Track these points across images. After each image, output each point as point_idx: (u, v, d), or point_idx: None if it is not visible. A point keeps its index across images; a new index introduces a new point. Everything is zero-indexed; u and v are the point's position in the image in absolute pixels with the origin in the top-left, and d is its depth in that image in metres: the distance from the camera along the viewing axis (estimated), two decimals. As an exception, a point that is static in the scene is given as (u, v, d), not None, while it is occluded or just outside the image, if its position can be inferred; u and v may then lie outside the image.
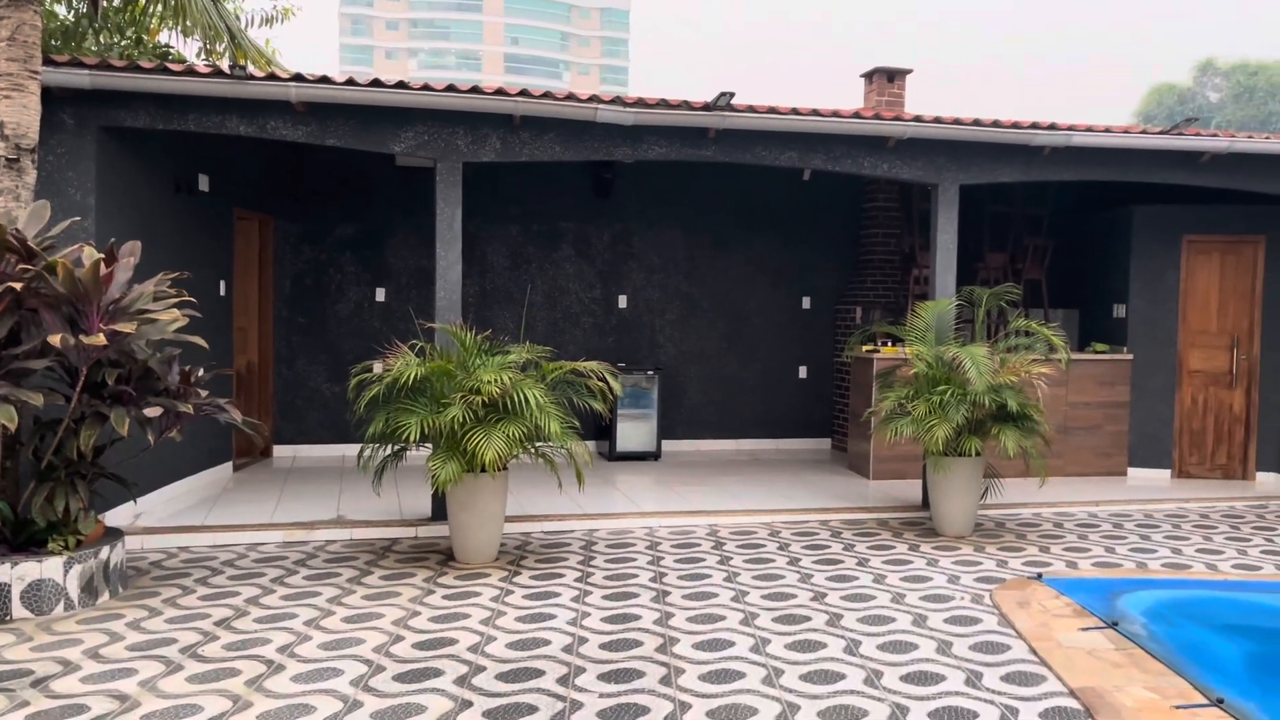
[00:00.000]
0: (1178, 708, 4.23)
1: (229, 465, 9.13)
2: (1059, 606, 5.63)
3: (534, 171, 10.33)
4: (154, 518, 7.23)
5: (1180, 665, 4.70)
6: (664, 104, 7.47)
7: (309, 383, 10.40)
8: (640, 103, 7.45)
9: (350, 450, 10.05)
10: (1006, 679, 4.57)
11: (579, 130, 7.53)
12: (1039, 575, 6.32)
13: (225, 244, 8.97)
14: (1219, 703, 4.26)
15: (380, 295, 10.55)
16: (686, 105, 7.50)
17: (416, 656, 4.75)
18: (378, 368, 6.69)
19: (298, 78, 6.80)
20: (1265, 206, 9.50)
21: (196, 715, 4.03)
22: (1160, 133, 8.55)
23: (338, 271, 10.46)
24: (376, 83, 6.99)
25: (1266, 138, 8.79)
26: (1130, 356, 9.84)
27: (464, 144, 7.34)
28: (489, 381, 6.09)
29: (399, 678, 4.48)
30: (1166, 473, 9.82)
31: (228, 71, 6.69)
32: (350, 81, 6.92)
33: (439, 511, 7.18)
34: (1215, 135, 8.65)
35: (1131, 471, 9.89)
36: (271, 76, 6.85)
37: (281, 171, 10.14)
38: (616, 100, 7.44)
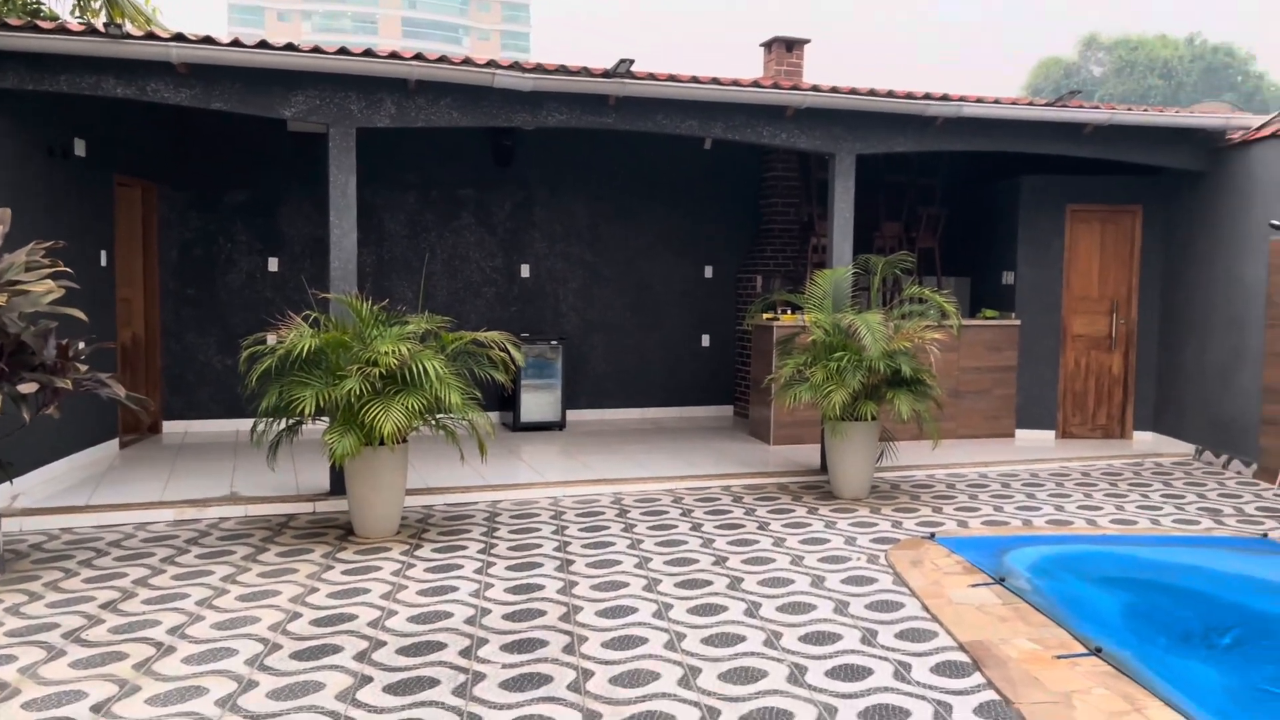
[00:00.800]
0: (1059, 657, 4.43)
1: (114, 443, 8.78)
2: (950, 564, 5.83)
3: (432, 138, 10.14)
4: (33, 498, 6.91)
5: (1062, 617, 4.91)
6: (563, 70, 7.38)
7: (199, 356, 10.05)
8: (539, 68, 7.34)
9: (244, 425, 9.77)
10: (900, 636, 4.71)
11: (477, 96, 7.40)
12: (931, 535, 6.52)
13: (105, 212, 8.57)
14: (1097, 651, 4.47)
15: (273, 265, 10.23)
16: (586, 72, 7.43)
17: (315, 633, 4.66)
18: (271, 340, 6.49)
19: (179, 38, 6.50)
20: (1143, 177, 9.90)
21: (80, 701, 3.89)
22: (1046, 104, 8.82)
23: (228, 241, 10.10)
24: (264, 44, 6.73)
25: (1144, 110, 9.15)
26: (1018, 322, 10.19)
27: (357, 109, 7.14)
28: (386, 353, 5.97)
29: (296, 655, 4.39)
30: (1051, 433, 10.23)
31: (102, 30, 6.35)
32: (236, 43, 6.65)
33: (337, 486, 7.04)
34: (1097, 108, 8.96)
35: (1019, 433, 10.27)
36: (150, 36, 6.53)
37: (166, 136, 9.72)
38: (515, 65, 7.32)
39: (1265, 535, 6.65)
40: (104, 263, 8.47)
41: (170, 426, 9.92)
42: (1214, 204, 9.22)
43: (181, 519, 6.74)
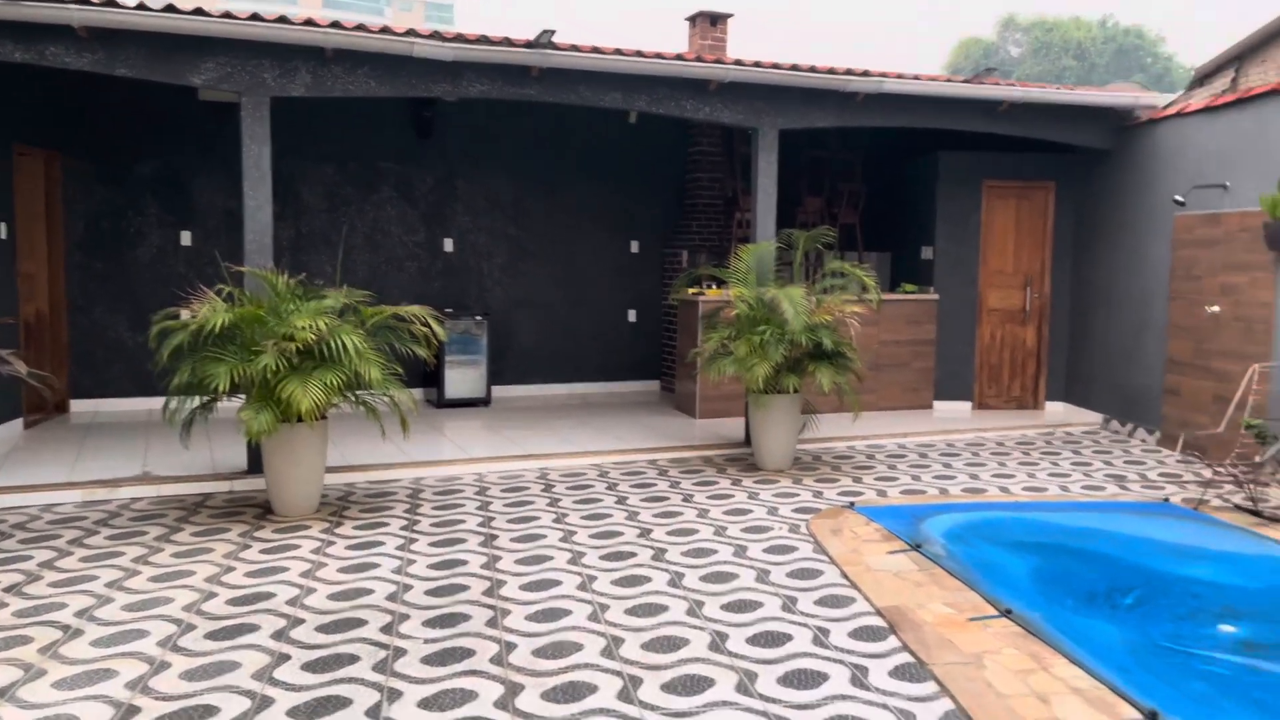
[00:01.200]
0: (971, 620, 4.56)
1: (19, 423, 8.47)
2: (869, 532, 5.95)
3: (351, 108, 9.90)
4: (-69, 481, 6.64)
5: (975, 581, 5.06)
6: (485, 40, 7.28)
7: (109, 332, 9.73)
8: (460, 38, 7.23)
9: (157, 403, 9.46)
10: (820, 602, 4.80)
11: (396, 65, 7.25)
12: (851, 504, 6.65)
13: (3, 182, 8.21)
14: (1007, 613, 4.61)
15: (186, 239, 9.94)
16: (508, 42, 7.34)
17: (231, 613, 4.57)
18: (184, 315, 6.31)
19: (81, 0, 6.24)
20: (1056, 154, 10.15)
21: (-17, 688, 3.76)
22: (963, 81, 8.99)
23: (137, 214, 9.77)
24: (171, 8, 6.50)
25: (1057, 89, 9.38)
26: (936, 296, 10.40)
27: (271, 77, 6.95)
28: (304, 328, 5.85)
29: (211, 635, 4.30)
30: (968, 405, 10.49)
31: (-3, -10, 6.06)
32: (141, 6, 6.41)
33: (255, 464, 6.90)
34: (1012, 85, 9.15)
35: (937, 404, 10.51)
36: (49, -3, 6.25)
37: (69, 104, 9.34)
38: (435, 35, 7.19)
39: (1166, 500, 6.92)
40: (4, 235, 8.13)
41: (79, 405, 9.59)
42: (1122, 181, 9.50)
43: (90, 500, 6.54)
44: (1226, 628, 4.89)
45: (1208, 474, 7.27)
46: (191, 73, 6.78)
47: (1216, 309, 8.13)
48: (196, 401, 6.15)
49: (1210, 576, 5.50)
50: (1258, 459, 6.79)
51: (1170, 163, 8.83)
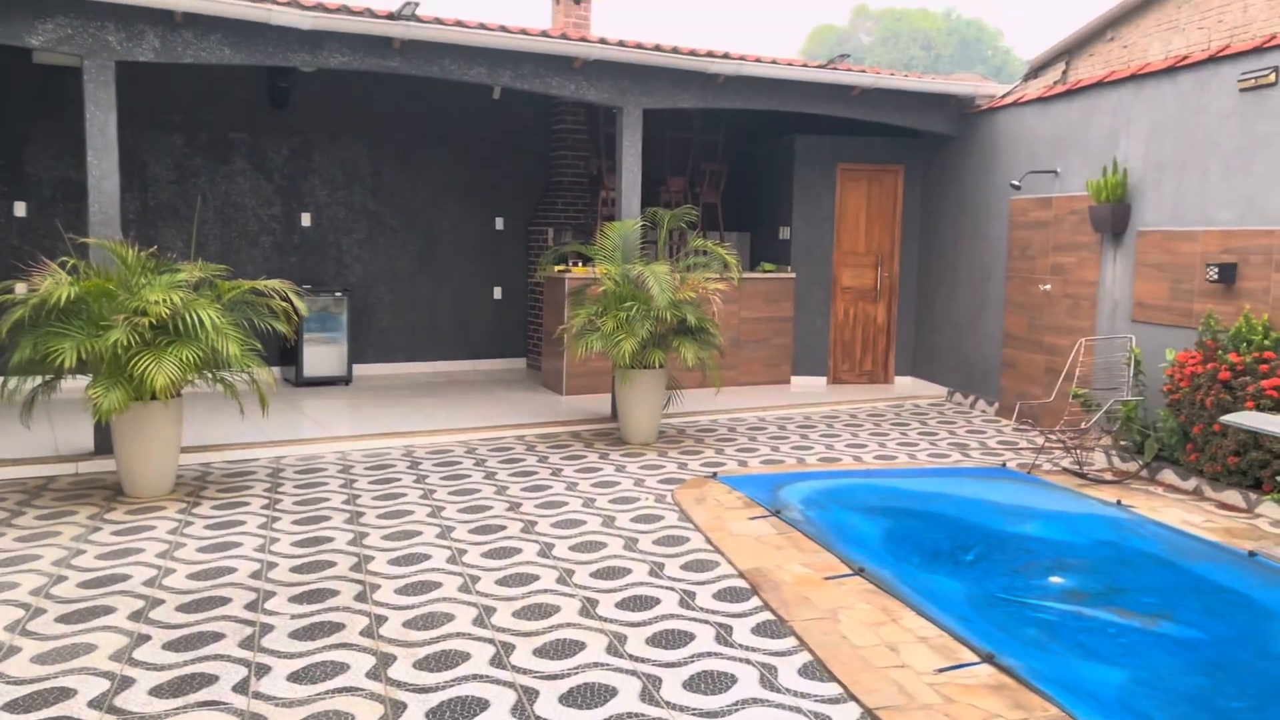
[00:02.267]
0: (827, 579, 4.81)
1: None
2: (731, 500, 6.17)
3: (200, 75, 9.52)
4: None
5: (830, 543, 5.33)
6: (345, 10, 7.12)
7: (-67, 309, 9.08)
8: (320, 7, 7.05)
9: (-10, 384, 8.97)
10: (685, 567, 4.97)
11: (251, 32, 7.02)
12: (714, 474, 6.87)
13: None
14: (860, 571, 4.89)
15: (20, 210, 9.35)
16: (370, 13, 7.20)
17: (83, 595, 4.41)
18: (21, 289, 5.98)
19: (-101, -51, 5.81)
20: (904, 139, 10.64)
21: None
22: (818, 66, 9.30)
23: (-37, 182, 9.15)
24: (3, -38, 6.12)
25: (905, 76, 9.82)
26: (793, 275, 10.76)
27: (116, 41, 6.62)
28: (157, 301, 5.64)
29: (63, 619, 4.15)
30: (823, 379, 10.91)
31: None
32: (-31, -41, 6.01)
33: (103, 444, 6.61)
34: (864, 72, 9.54)
35: (795, 379, 10.89)
36: None
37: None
38: (294, 3, 6.99)
39: (1003, 465, 7.41)
40: None
41: (-100, 387, 8.94)
42: (964, 165, 10.04)
43: (-81, 486, 6.15)
44: (1055, 579, 5.31)
45: (1040, 441, 7.81)
46: (28, 33, 6.39)
47: (1048, 287, 8.72)
48: (38, 380, 5.85)
49: (1041, 534, 5.94)
50: (1083, 425, 7.35)
51: (1008, 149, 9.39)
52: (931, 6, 47.89)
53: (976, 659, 3.90)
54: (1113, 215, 7.81)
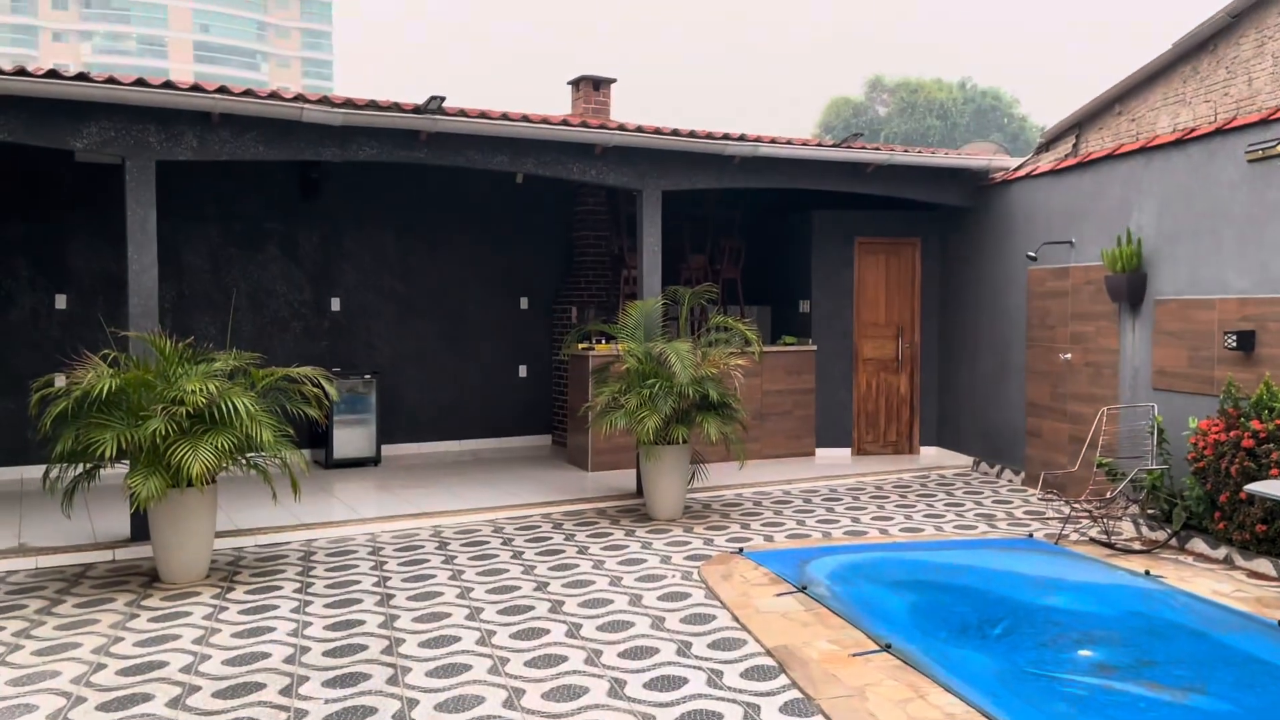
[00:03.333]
0: (854, 655, 4.83)
1: (-122, 497, 8.06)
2: (757, 576, 6.20)
3: (233, 169, 9.87)
4: None
5: (857, 619, 5.34)
6: (374, 105, 7.42)
7: (-24, 400, 9.35)
8: (349, 103, 7.35)
9: (29, 472, 9.18)
10: (713, 645, 5.00)
11: (284, 130, 7.32)
12: (740, 550, 6.90)
13: None
14: (887, 648, 4.90)
15: (61, 302, 9.66)
16: (397, 107, 7.49)
17: (122, 683, 4.50)
18: (60, 381, 6.19)
19: (-44, 64, 6.14)
20: (921, 212, 10.81)
21: None
22: (832, 145, 9.53)
23: (8, 276, 9.47)
24: (53, 73, 6.46)
25: (919, 151, 10.02)
26: (814, 347, 10.87)
27: (156, 141, 6.93)
28: (193, 391, 5.82)
29: (103, 707, 4.24)
30: (848, 451, 10.94)
31: None
32: (22, 71, 6.34)
33: (140, 531, 6.75)
34: (878, 149, 9.75)
35: (819, 451, 10.93)
36: (-77, 61, 6.15)
37: (-66, 165, 9.05)
38: (324, 100, 7.30)
39: (1030, 536, 7.39)
40: None
41: (-57, 477, 9.17)
42: (980, 237, 10.18)
43: (-38, 575, 6.30)
44: (1084, 653, 5.28)
45: (1066, 510, 7.80)
46: (73, 137, 6.71)
47: (1068, 356, 8.77)
48: (80, 469, 6.02)
49: (1069, 606, 5.92)
50: (1109, 495, 7.34)
51: (1023, 220, 9.53)
52: (946, 77, 48.65)
53: (1005, 736, 3.90)
54: (1129, 284, 7.89)
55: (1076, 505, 7.52)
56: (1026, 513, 8.22)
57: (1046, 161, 9.49)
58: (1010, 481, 9.59)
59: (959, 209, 10.41)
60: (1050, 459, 8.89)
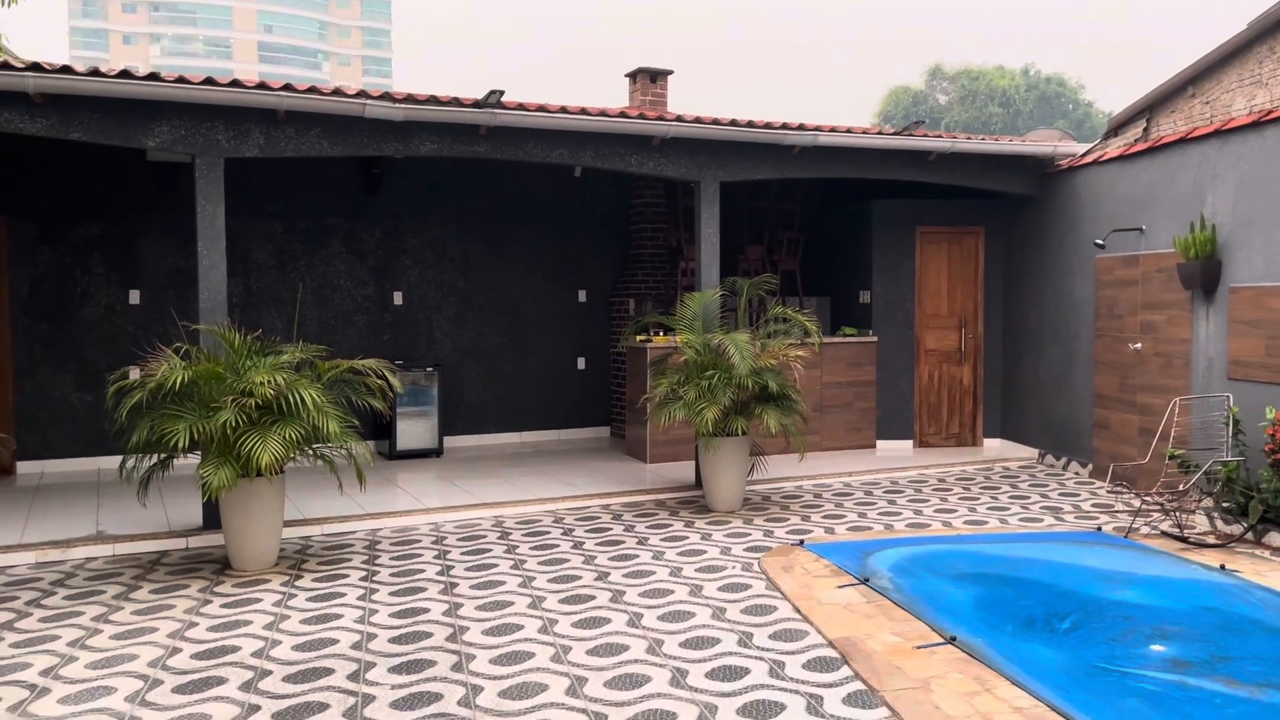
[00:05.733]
0: (918, 648, 4.78)
1: (-36, 486, 8.37)
2: (819, 568, 6.16)
3: (299, 166, 10.06)
4: (-122, 548, 6.56)
5: (921, 612, 5.28)
6: (434, 100, 7.50)
7: (55, 393, 9.66)
8: (410, 99, 7.44)
9: (106, 462, 9.46)
10: (774, 636, 4.98)
11: (347, 126, 7.44)
12: (801, 542, 6.86)
13: (-50, 245, 8.20)
14: (952, 640, 4.84)
15: (134, 298, 9.94)
16: (457, 102, 7.56)
17: (197, 667, 4.62)
18: (134, 374, 6.37)
19: (35, 67, 6.35)
20: (984, 200, 10.63)
21: (-48, 749, 3.78)
22: (893, 134, 9.41)
23: (84, 273, 9.76)
24: (125, 74, 6.64)
25: (981, 139, 9.85)
26: (875, 339, 10.76)
27: (224, 139, 7.09)
28: (262, 383, 5.94)
29: (179, 689, 4.35)
30: (909, 443, 10.81)
31: (-49, 58, 6.15)
32: (95, 72, 6.54)
33: (211, 520, 6.92)
34: (940, 137, 9.60)
35: (880, 443, 10.82)
36: (4, 65, 6.36)
37: (11, 165, 9.35)
38: (385, 96, 7.40)
39: (1099, 529, 7.24)
40: (-50, 298, 8.10)
41: (25, 467, 9.48)
42: (1046, 225, 9.98)
43: (44, 561, 6.51)
44: (1157, 647, 5.16)
45: (1137, 503, 7.62)
46: (145, 135, 6.89)
47: (1138, 346, 8.56)
48: (155, 459, 6.19)
49: (1141, 600, 5.79)
50: (1181, 487, 7.16)
51: (1090, 207, 9.32)
52: (1009, 63, 47.73)
53: (1075, 730, 3.83)
54: (1202, 272, 7.68)
55: (1147, 498, 7.34)
56: (1094, 506, 8.05)
57: (1115, 147, 9.27)
58: (1077, 474, 9.40)
59: (1023, 197, 10.21)
60: (1119, 451, 8.70)
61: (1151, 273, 8.43)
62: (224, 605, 5.57)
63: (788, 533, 7.18)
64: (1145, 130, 9.05)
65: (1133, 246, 8.68)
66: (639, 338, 9.99)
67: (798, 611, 5.36)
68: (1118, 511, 7.79)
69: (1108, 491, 8.44)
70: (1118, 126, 9.52)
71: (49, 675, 4.52)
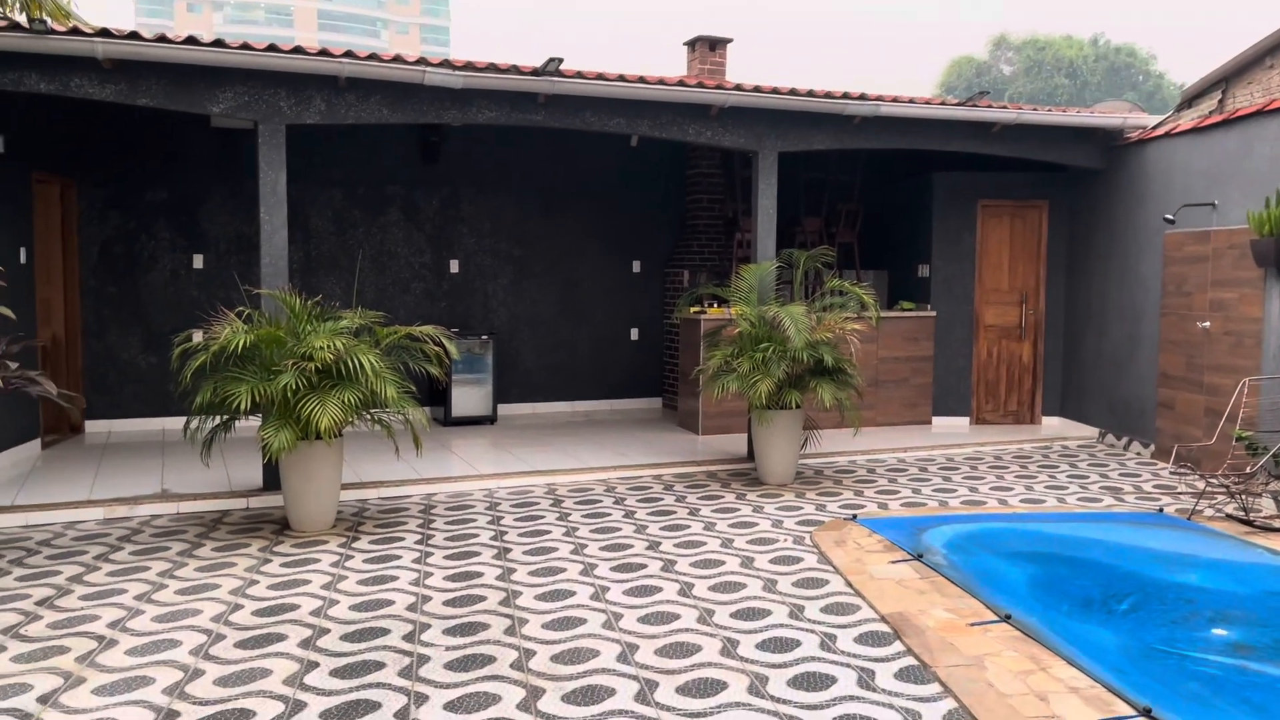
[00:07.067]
0: (972, 625, 4.73)
1: (36, 443, 8.63)
2: (871, 543, 6.12)
3: (359, 135, 10.15)
4: (-44, 500, 6.81)
5: (975, 589, 5.22)
6: (493, 68, 7.49)
7: (122, 355, 9.91)
8: (469, 66, 7.45)
9: (170, 423, 9.70)
10: (826, 610, 4.97)
11: (406, 93, 7.47)
12: (854, 516, 6.82)
13: (24, 210, 8.41)
14: (1006, 618, 4.78)
15: (198, 262, 10.13)
16: (516, 70, 7.55)
17: (258, 623, 4.74)
18: (197, 337, 6.50)
19: (104, 33, 6.45)
20: (1048, 173, 10.39)
21: (26, 694, 3.92)
22: (957, 104, 9.21)
23: (150, 238, 9.97)
24: (192, 40, 6.72)
25: (1048, 110, 9.61)
26: (933, 313, 10.60)
27: (287, 106, 7.16)
28: (322, 347, 6.03)
29: (241, 645, 4.47)
30: (965, 420, 10.67)
31: (27, 26, 6.27)
32: (162, 39, 6.63)
33: (271, 481, 7.06)
34: (1005, 107, 9.39)
35: (935, 420, 10.69)
36: (75, 31, 6.47)
37: (82, 132, 9.55)
38: (445, 63, 7.41)
39: (1160, 510, 7.09)
40: (23, 261, 8.32)
41: (93, 426, 9.76)
42: (1113, 199, 9.73)
43: (111, 517, 6.70)
44: (1219, 631, 5.06)
45: (1201, 485, 7.44)
46: (210, 102, 6.98)
47: (1207, 324, 8.33)
48: (217, 421, 6.32)
49: (1203, 583, 5.67)
50: (1249, 470, 6.98)
51: (1160, 181, 9.06)
52: (1077, 33, 46.47)
53: (1133, 712, 3.77)
54: (1277, 249, 7.43)
55: (1212, 480, 7.17)
56: (1156, 487, 7.89)
57: (1188, 119, 8.99)
58: (1139, 454, 9.21)
59: (1089, 171, 9.96)
60: (1183, 432, 8.50)
61: (1223, 249, 8.19)
62: (283, 564, 5.69)
63: (840, 507, 7.14)
64: (1220, 102, 8.77)
65: (1204, 222, 8.43)
66: (693, 309, 9.96)
67: (849, 585, 5.33)
68: (1180, 493, 7.62)
69: (1171, 473, 8.26)
70: (1191, 98, 9.24)
71: (116, 628, 4.66)
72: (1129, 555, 6.19)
